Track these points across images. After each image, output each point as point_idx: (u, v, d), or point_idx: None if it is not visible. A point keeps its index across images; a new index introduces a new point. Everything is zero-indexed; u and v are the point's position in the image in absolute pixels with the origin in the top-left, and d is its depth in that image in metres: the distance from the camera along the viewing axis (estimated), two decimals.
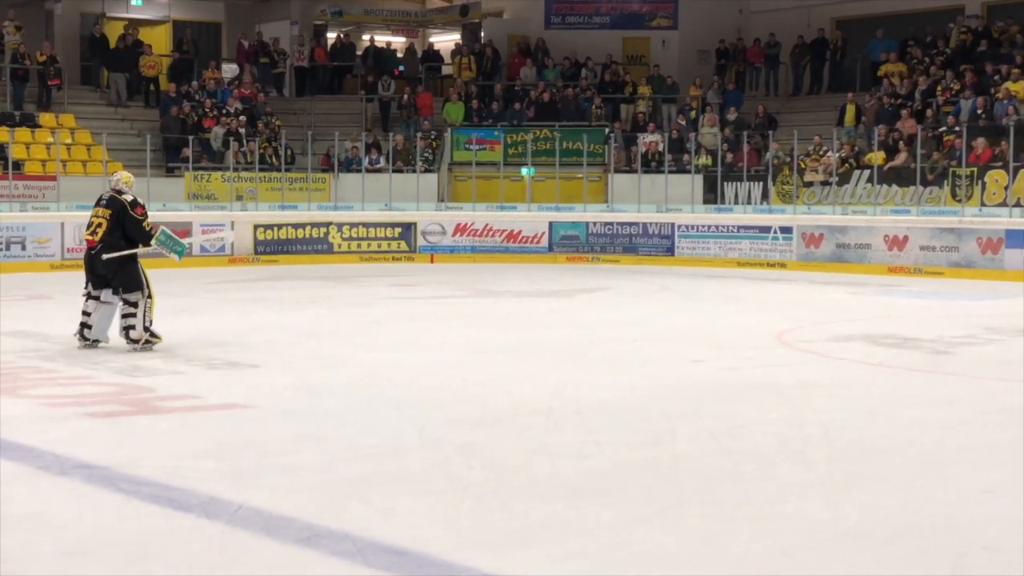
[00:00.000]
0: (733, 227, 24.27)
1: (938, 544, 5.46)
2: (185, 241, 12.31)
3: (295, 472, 6.62)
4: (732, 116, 27.27)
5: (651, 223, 25.16)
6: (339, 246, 25.04)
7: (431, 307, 16.27)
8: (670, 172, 25.91)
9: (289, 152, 26.61)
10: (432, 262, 25.22)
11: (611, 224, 25.50)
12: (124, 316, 11.29)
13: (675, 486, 6.40)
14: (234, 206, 24.77)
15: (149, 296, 11.31)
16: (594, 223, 25.60)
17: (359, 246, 25.16)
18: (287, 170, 26.26)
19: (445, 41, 35.03)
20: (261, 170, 25.96)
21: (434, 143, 27.55)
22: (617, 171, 26.79)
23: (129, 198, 11.44)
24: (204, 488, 6.21)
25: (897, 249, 21.98)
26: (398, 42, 34.01)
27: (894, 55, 27.31)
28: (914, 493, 6.30)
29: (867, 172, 23.64)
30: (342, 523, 5.61)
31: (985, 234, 20.96)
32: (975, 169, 22.08)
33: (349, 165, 26.88)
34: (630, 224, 25.33)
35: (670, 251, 24.84)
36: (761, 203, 24.90)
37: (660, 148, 26.36)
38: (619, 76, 29.58)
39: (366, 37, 33.31)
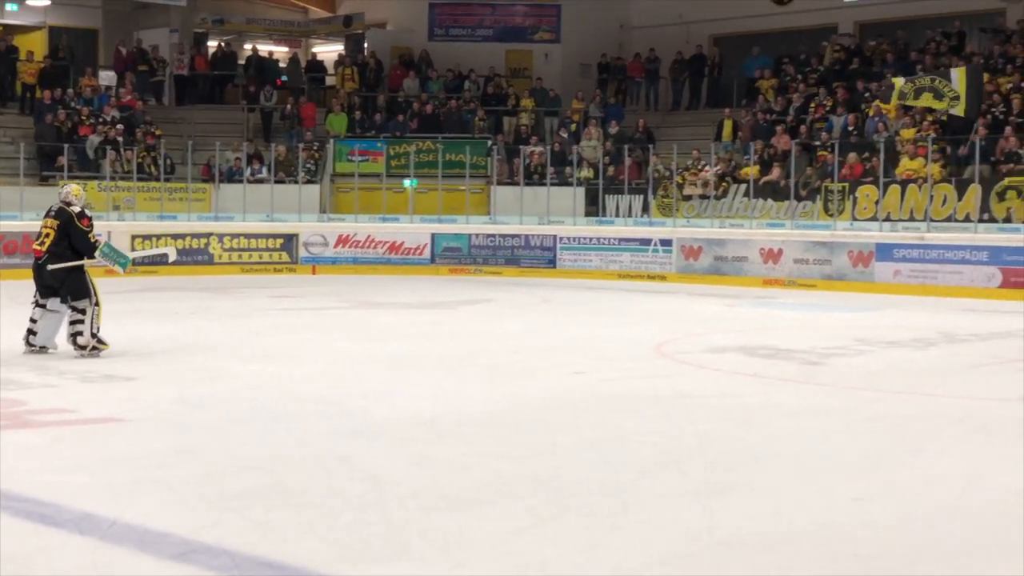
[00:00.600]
0: (614, 240, 24.53)
1: (810, 551, 5.58)
2: (129, 254, 12.69)
3: (171, 486, 6.53)
4: (613, 130, 27.58)
5: (533, 235, 25.31)
6: (220, 257, 24.75)
7: (313, 319, 16.17)
8: (552, 185, 26.10)
9: (168, 162, 26.22)
10: (314, 273, 25.05)
11: (493, 236, 25.60)
12: (72, 323, 11.60)
13: (555, 497, 6.46)
14: (111, 216, 24.33)
15: (96, 304, 11.66)
16: (476, 235, 25.66)
17: (240, 257, 24.90)
18: (166, 180, 25.87)
19: (328, 52, 34.86)
20: (139, 179, 25.53)
21: (316, 154, 27.38)
22: (500, 183, 26.91)
23: (76, 210, 11.77)
24: (77, 504, 6.09)
25: (772, 262, 22.42)
26: (280, 52, 33.76)
27: (769, 72, 27.91)
28: (787, 501, 6.43)
29: (743, 186, 24.09)
30: (219, 538, 5.56)
31: (856, 248, 21.49)
32: (847, 184, 22.63)
33: (230, 175, 26.58)
34: (512, 236, 25.45)
35: (552, 263, 25.01)
36: (642, 216, 25.21)
37: (543, 161, 26.53)
38: (502, 89, 29.73)
39: (248, 46, 32.99)
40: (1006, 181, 21.00)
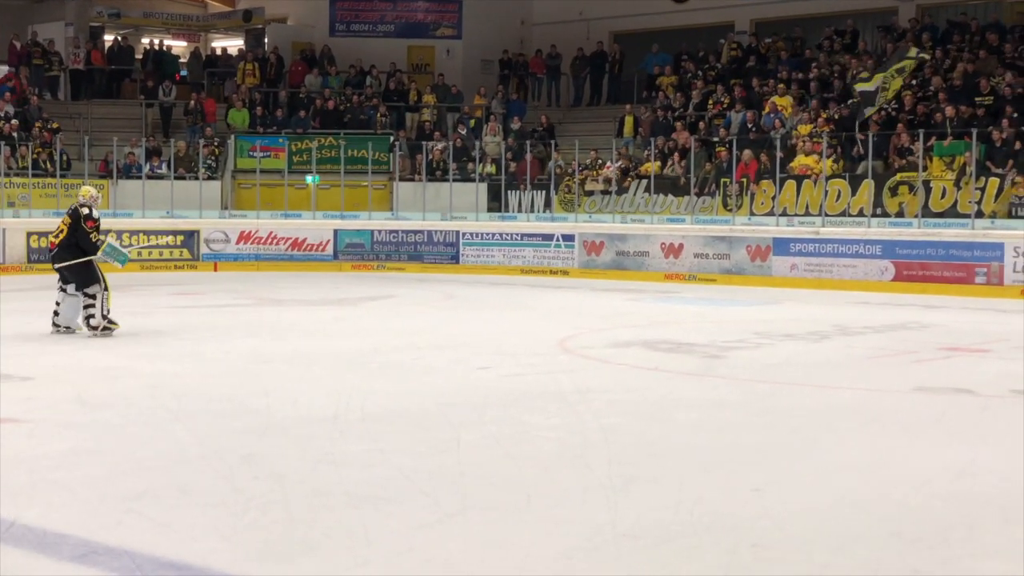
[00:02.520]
0: (517, 235, 24.63)
1: (710, 542, 5.67)
2: (126, 250, 13.96)
3: (71, 488, 6.45)
4: (515, 126, 27.68)
5: (436, 231, 25.31)
6: None
7: (214, 316, 16.01)
8: (455, 181, 26.13)
9: (65, 157, 25.76)
10: (216, 270, 24.79)
11: (396, 232, 25.56)
12: (85, 307, 13.11)
13: (459, 493, 6.49)
14: (5, 213, 23.84)
15: (106, 288, 13.14)
16: (379, 231, 25.60)
17: (139, 254, 24.54)
18: (63, 176, 25.42)
19: (228, 46, 34.48)
20: (35, 176, 25.06)
21: (217, 150, 27.09)
22: (402, 179, 26.86)
23: (85, 211, 13.20)
24: None
25: (673, 257, 22.68)
26: (179, 46, 33.32)
27: (669, 69, 28.21)
28: (687, 494, 6.52)
29: (644, 182, 24.33)
30: (120, 539, 5.50)
31: (754, 242, 21.83)
32: (745, 179, 22.97)
33: (128, 171, 26.19)
34: (415, 232, 25.43)
35: (455, 259, 25.04)
36: (544, 211, 25.34)
37: (445, 157, 26.54)
38: (404, 84, 29.67)
39: (145, 40, 32.52)
40: (898, 176, 21.48)
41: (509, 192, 25.94)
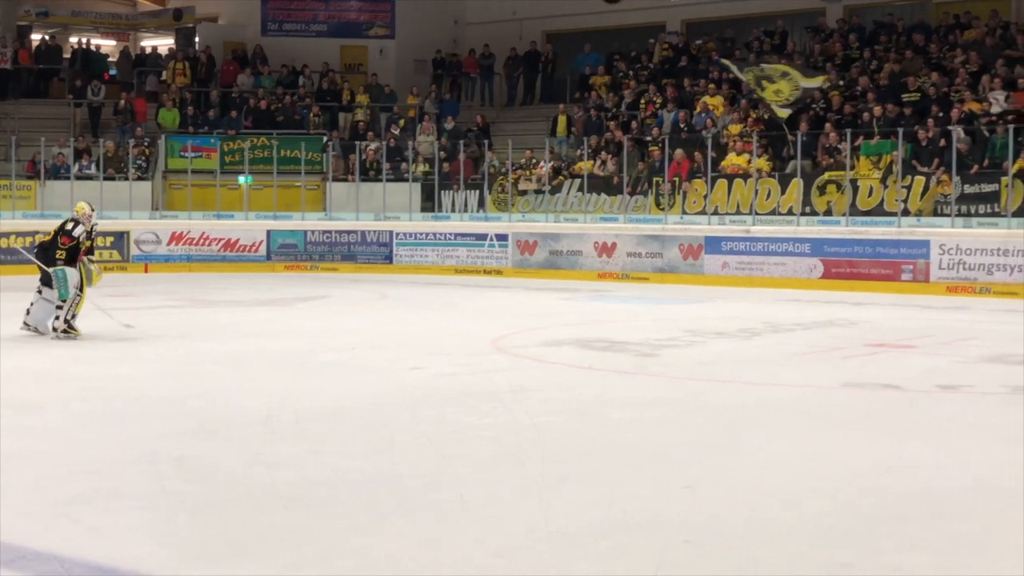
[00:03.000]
0: (450, 235, 24.64)
1: (643, 539, 5.73)
2: (72, 291, 13.35)
3: (1, 493, 6.38)
4: (449, 125, 27.67)
5: (369, 231, 25.26)
6: None
7: (146, 318, 15.85)
8: (388, 180, 26.08)
9: None
10: (147, 272, 24.56)
11: (329, 232, 25.46)
12: (57, 308, 13.20)
13: (394, 493, 6.50)
14: None
15: (79, 293, 13.31)
16: (312, 231, 25.49)
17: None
18: None
19: (159, 45, 34.15)
20: None
21: (147, 150, 26.84)
22: (335, 179, 26.76)
23: (69, 226, 13.39)
24: None
25: (606, 256, 22.80)
26: (108, 45, 32.94)
27: (602, 68, 28.34)
28: (621, 491, 6.58)
29: (577, 181, 24.43)
30: (50, 543, 5.45)
31: (686, 241, 22.01)
32: (677, 179, 23.14)
33: (56, 172, 25.85)
34: (348, 232, 25.36)
35: (388, 259, 25.00)
36: (478, 211, 25.36)
37: (378, 157, 26.48)
38: (337, 84, 29.56)
39: (73, 39, 32.11)
40: (826, 175, 21.75)
41: (443, 192, 25.94)
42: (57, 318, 13.22)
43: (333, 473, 6.92)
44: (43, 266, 13.30)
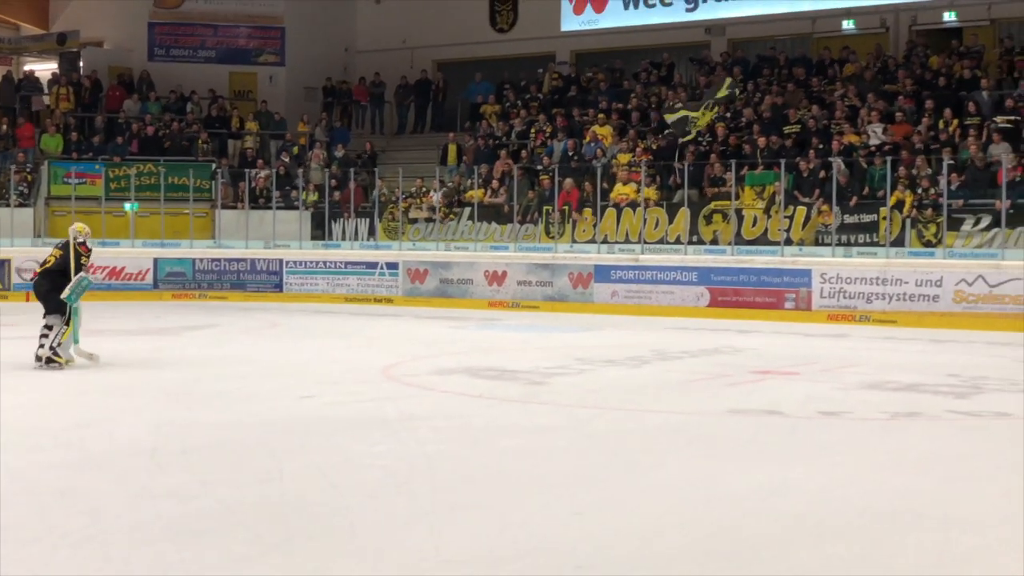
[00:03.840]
0: (341, 263, 24.54)
1: (534, 567, 5.77)
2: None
3: None
4: (339, 153, 27.59)
5: (259, 259, 25.04)
6: None
7: (28, 348, 15.50)
8: (278, 208, 25.91)
9: None
10: (28, 300, 23.99)
11: (218, 260, 25.19)
12: (41, 335, 13.13)
13: (282, 524, 6.45)
14: None
15: (67, 323, 13.16)
16: (201, 259, 25.19)
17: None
18: None
19: (41, 70, 33.50)
20: None
21: (29, 176, 26.31)
22: (224, 207, 26.50)
23: (80, 239, 13.42)
24: None
25: (497, 284, 22.89)
26: None
27: (492, 98, 28.52)
28: (511, 519, 6.61)
29: (468, 209, 24.50)
30: None
31: (576, 269, 22.19)
32: (567, 208, 23.34)
33: None
34: (238, 260, 25.11)
35: (279, 287, 24.81)
36: (368, 240, 25.30)
37: (268, 184, 26.29)
38: (226, 111, 29.31)
39: None
40: (712, 205, 22.12)
41: (333, 220, 25.83)
42: (41, 346, 13.11)
43: (219, 504, 6.85)
44: (81, 280, 13.33)
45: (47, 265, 13.56)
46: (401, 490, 7.29)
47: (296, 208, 25.97)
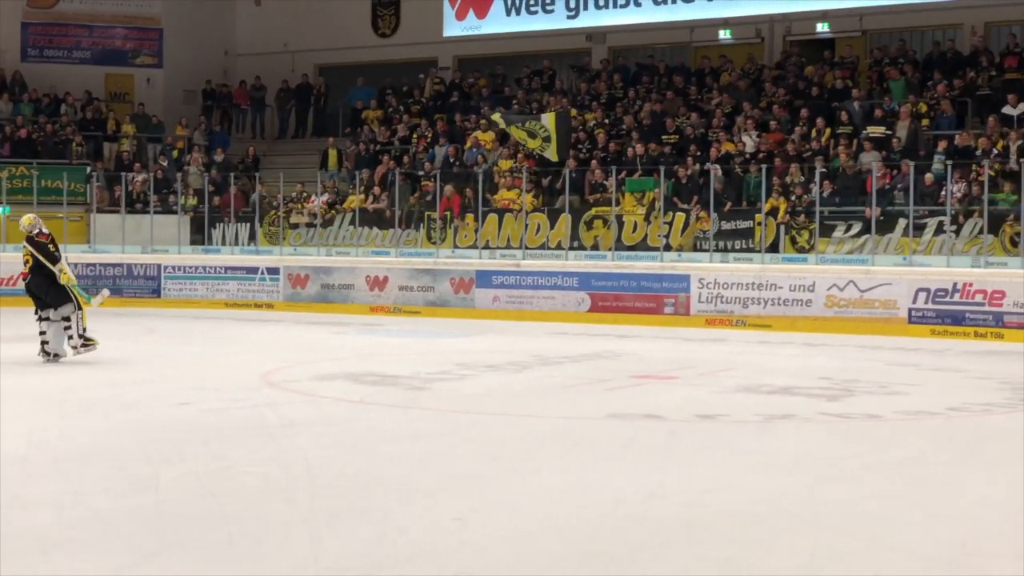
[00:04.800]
0: (221, 268, 24.24)
1: (414, 573, 5.79)
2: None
3: None
4: (219, 157, 27.26)
5: (136, 264, 24.63)
6: None
7: None
8: (156, 213, 25.51)
9: None
10: None
11: (94, 265, 24.69)
12: (64, 329, 14.00)
13: (158, 533, 6.37)
14: None
15: (79, 308, 14.01)
16: (75, 264, 24.57)
17: None
18: None
19: None
20: None
21: None
22: (100, 211, 26.00)
23: (35, 231, 14.21)
24: None
25: (378, 289, 22.82)
26: None
27: (374, 103, 28.43)
28: (391, 525, 6.62)
29: (349, 215, 24.40)
30: None
31: (458, 275, 22.23)
32: (448, 213, 23.38)
33: None
34: (114, 265, 24.66)
35: (156, 292, 24.42)
36: (248, 245, 25.04)
37: (146, 188, 25.87)
38: (102, 113, 28.77)
39: None
40: (593, 211, 22.34)
41: (213, 225, 25.51)
42: (70, 336, 13.95)
43: (93, 514, 6.74)
44: (78, 293, 14.19)
45: (29, 265, 14.17)
46: (280, 497, 7.25)
47: (174, 212, 25.60)
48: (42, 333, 14.19)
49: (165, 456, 8.43)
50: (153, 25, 30.97)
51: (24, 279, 14.56)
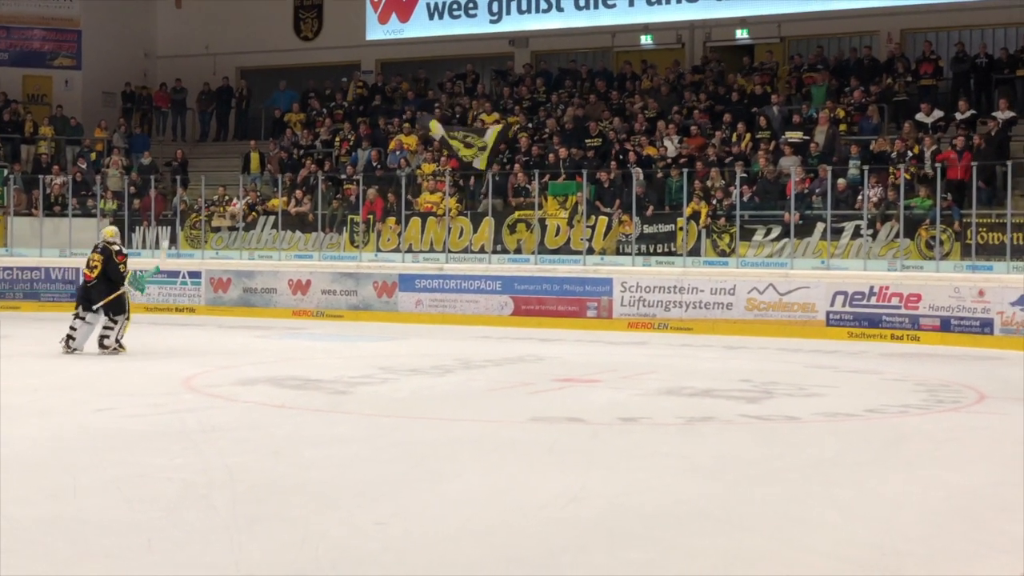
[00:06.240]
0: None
1: None
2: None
3: None
4: (143, 160, 26.95)
5: (54, 268, 24.27)
6: None
7: None
8: (75, 216, 25.17)
9: None
10: None
11: (11, 269, 24.31)
12: (105, 328, 15.59)
13: (76, 540, 6.30)
14: None
15: (127, 318, 15.85)
16: None
17: None
18: None
19: None
20: None
21: None
22: (17, 214, 25.59)
23: (116, 248, 15.94)
24: None
25: (301, 293, 22.71)
26: None
27: (296, 106, 28.29)
28: (313, 530, 6.60)
29: (272, 218, 24.24)
30: None
31: (381, 278, 22.18)
32: (371, 217, 23.32)
33: None
34: (32, 269, 24.29)
35: (74, 297, 24.05)
36: (170, 248, 24.78)
37: (64, 191, 25.50)
38: (19, 115, 28.33)
39: None
40: (516, 215, 22.41)
41: (133, 229, 25.21)
42: (107, 337, 15.56)
43: (9, 522, 6.63)
44: (130, 290, 16.07)
45: (97, 271, 15.77)
46: (201, 503, 7.19)
47: (93, 216, 25.27)
48: (73, 329, 15.70)
49: (83, 463, 8.33)
50: (72, 27, 30.54)
51: (87, 281, 15.90)
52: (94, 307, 15.67)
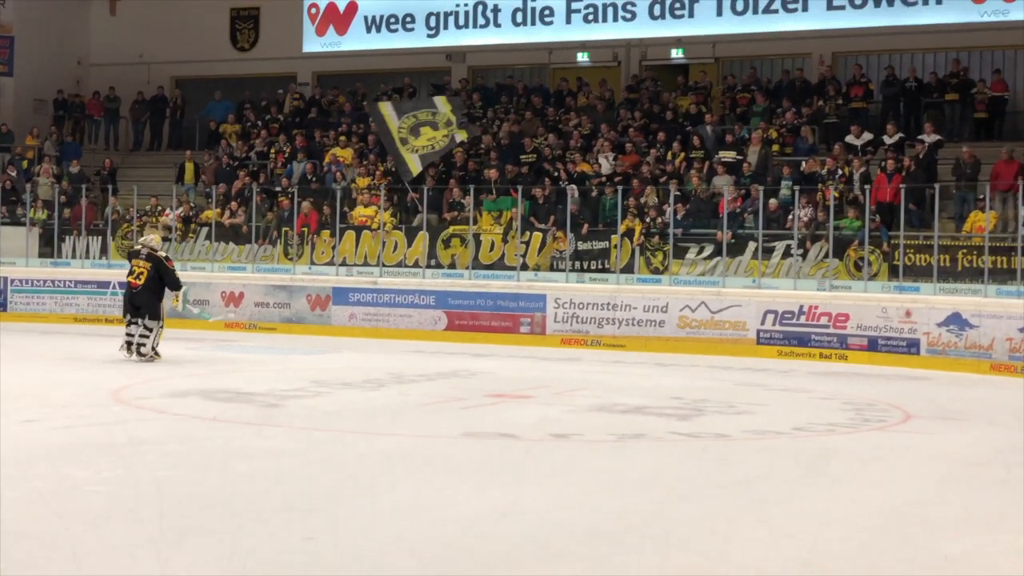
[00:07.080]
0: (71, 282, 23.69)
1: None
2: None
3: None
4: (76, 169, 26.63)
5: None
6: None
7: None
8: (3, 224, 24.84)
9: None
10: None
11: None
12: (141, 337, 16.01)
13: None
14: None
15: (162, 326, 16.25)
16: None
17: None
18: None
19: None
20: None
21: None
22: None
23: (163, 255, 16.45)
24: None
25: (234, 305, 22.55)
26: None
27: (232, 117, 28.12)
28: (241, 544, 6.57)
29: (205, 229, 24.06)
30: None
31: (314, 291, 22.09)
32: (306, 229, 23.22)
33: None
34: None
35: (3, 306, 23.75)
36: (100, 258, 24.50)
37: None
38: None
39: None
40: (451, 229, 22.43)
41: (63, 238, 24.91)
42: (143, 345, 15.95)
43: None
44: (184, 297, 17.44)
45: (144, 278, 16.09)
46: (128, 517, 7.12)
47: (23, 224, 24.93)
48: (129, 335, 16.13)
49: (8, 475, 8.21)
50: (3, 32, 30.09)
51: (132, 288, 16.21)
52: (136, 306, 16.14)
